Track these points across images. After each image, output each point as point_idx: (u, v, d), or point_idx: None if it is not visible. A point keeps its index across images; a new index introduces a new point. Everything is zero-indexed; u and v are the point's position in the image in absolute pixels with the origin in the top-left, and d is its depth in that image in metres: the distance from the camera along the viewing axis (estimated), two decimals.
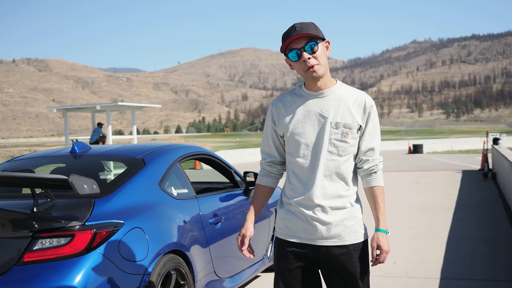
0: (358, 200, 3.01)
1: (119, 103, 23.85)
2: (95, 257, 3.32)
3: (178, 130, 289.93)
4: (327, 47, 2.93)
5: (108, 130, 23.93)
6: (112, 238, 3.46)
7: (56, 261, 3.25)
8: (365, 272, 2.94)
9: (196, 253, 4.22)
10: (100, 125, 24.36)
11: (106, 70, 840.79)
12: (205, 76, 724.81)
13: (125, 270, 3.46)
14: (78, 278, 3.21)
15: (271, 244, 6.00)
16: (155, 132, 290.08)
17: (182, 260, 4.00)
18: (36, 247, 3.26)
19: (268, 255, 5.92)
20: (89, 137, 24.89)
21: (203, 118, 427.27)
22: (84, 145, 4.86)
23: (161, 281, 3.70)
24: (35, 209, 3.30)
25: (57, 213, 3.41)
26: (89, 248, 3.33)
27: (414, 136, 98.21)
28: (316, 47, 2.83)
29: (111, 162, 7.71)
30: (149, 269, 3.61)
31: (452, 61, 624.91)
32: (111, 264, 3.39)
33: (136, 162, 4.39)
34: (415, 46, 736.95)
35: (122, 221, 3.58)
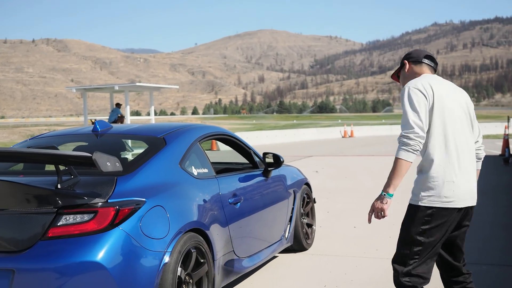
0: (419, 171, 3.37)
1: (137, 84, 23.95)
2: (117, 233, 3.40)
3: (194, 112, 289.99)
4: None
5: (126, 111, 24.05)
6: (134, 216, 3.53)
7: (80, 237, 3.33)
8: (401, 231, 3.46)
9: (215, 232, 4.27)
10: (118, 105, 24.47)
11: (124, 50, 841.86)
12: (222, 57, 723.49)
13: (147, 247, 3.52)
14: (101, 254, 3.29)
15: (289, 225, 6.04)
16: (172, 114, 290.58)
17: (202, 238, 4.06)
18: (60, 223, 3.35)
19: (286, 236, 5.96)
20: (107, 117, 25.03)
21: (220, 100, 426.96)
22: (106, 124, 4.89)
23: (182, 258, 3.75)
24: (59, 186, 3.42)
25: (81, 190, 3.48)
26: (112, 225, 3.41)
27: None
28: None
29: (130, 142, 7.81)
30: (170, 247, 3.66)
31: (473, 44, 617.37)
32: (133, 241, 3.46)
33: (157, 141, 4.46)
34: (436, 29, 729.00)
35: (143, 199, 3.65)
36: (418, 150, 3.25)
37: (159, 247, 3.60)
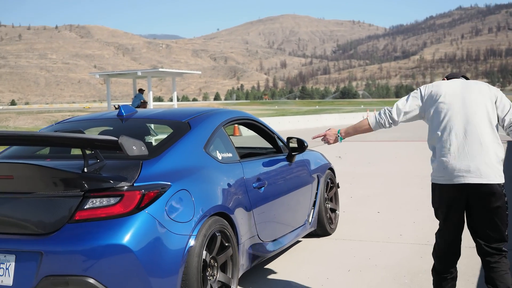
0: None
1: (160, 70, 24.03)
2: (143, 217, 3.43)
3: (216, 97, 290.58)
4: None
5: (149, 96, 24.14)
6: (160, 199, 3.55)
7: (106, 220, 3.37)
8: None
9: (240, 216, 4.30)
10: (141, 91, 24.57)
11: (146, 36, 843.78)
12: (244, 43, 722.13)
13: (172, 231, 3.55)
14: (127, 237, 3.33)
15: (312, 210, 6.04)
16: (194, 99, 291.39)
17: (226, 222, 4.07)
18: (87, 206, 3.38)
19: (310, 221, 5.97)
20: (130, 103, 25.14)
21: (242, 86, 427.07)
22: (130, 109, 4.91)
23: (207, 242, 3.76)
24: (85, 170, 3.47)
25: (107, 173, 3.52)
26: (138, 208, 3.43)
27: None
28: None
29: (154, 127, 7.85)
30: (195, 231, 3.69)
31: (499, 28, 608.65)
32: (159, 224, 3.49)
33: (182, 125, 4.47)
34: (461, 13, 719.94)
35: (169, 183, 3.66)
36: (382, 124, 3.92)
37: (184, 231, 3.62)
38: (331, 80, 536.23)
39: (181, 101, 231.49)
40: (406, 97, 3.87)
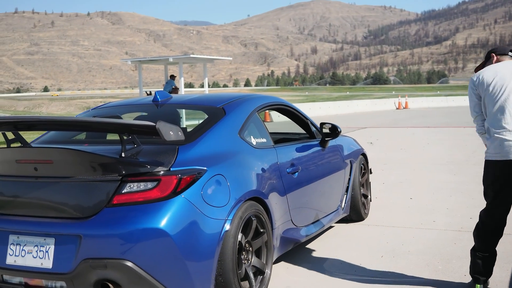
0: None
1: (192, 56, 24.08)
2: (180, 201, 3.46)
3: (247, 84, 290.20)
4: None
5: (180, 83, 24.24)
6: (196, 184, 3.58)
7: (144, 204, 3.41)
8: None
9: (274, 201, 4.32)
10: (172, 77, 24.68)
11: (177, 23, 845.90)
12: (275, 29, 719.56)
13: (208, 215, 3.58)
14: (164, 221, 3.37)
15: (345, 195, 6.06)
16: (225, 85, 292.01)
17: (261, 207, 4.10)
18: (124, 190, 3.43)
19: (343, 207, 5.99)
20: (161, 89, 25.27)
21: (272, 72, 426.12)
22: (166, 94, 4.93)
23: (242, 226, 3.80)
24: (123, 154, 3.49)
25: (144, 158, 3.56)
26: (175, 193, 3.47)
27: None
28: None
29: (183, 112, 7.87)
30: (231, 215, 3.71)
31: None
32: (195, 209, 3.52)
33: (217, 111, 4.49)
34: None
35: (205, 168, 3.70)
36: (480, 131, 4.11)
37: (220, 215, 3.65)
38: (362, 66, 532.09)
39: (212, 87, 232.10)
40: (469, 97, 4.13)
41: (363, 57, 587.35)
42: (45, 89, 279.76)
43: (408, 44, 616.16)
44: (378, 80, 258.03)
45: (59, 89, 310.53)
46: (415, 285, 4.27)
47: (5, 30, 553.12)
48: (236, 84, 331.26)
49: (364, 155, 6.67)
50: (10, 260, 3.56)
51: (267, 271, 4.12)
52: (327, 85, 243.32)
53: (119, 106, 5.20)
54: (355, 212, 6.28)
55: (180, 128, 3.51)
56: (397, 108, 40.70)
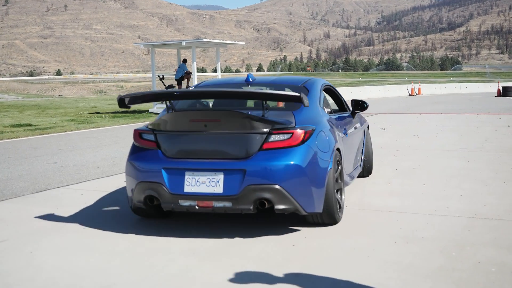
0: None
1: (204, 40, 23.98)
2: (305, 147, 5.21)
3: (259, 69, 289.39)
4: None
5: (193, 67, 24.21)
6: (312, 136, 5.31)
7: (284, 149, 5.13)
8: None
9: (342, 153, 6.08)
10: (184, 61, 24.64)
11: (190, 7, 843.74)
12: (287, 14, 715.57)
13: (320, 157, 5.34)
14: (298, 158, 5.12)
15: (361, 154, 7.83)
16: (237, 70, 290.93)
17: (340, 155, 5.93)
18: (270, 140, 5.13)
19: (360, 164, 7.72)
20: (174, 74, 25.25)
21: (285, 57, 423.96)
22: (253, 76, 6.44)
23: (335, 167, 5.69)
24: (265, 115, 5.17)
25: (277, 119, 5.25)
26: (302, 141, 5.20)
27: (502, 78, 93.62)
28: None
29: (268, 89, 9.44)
30: (331, 158, 5.51)
31: None
32: (314, 152, 5.27)
33: (301, 89, 6.24)
34: None
35: (314, 127, 5.41)
36: None
37: (326, 157, 5.42)
38: (375, 52, 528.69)
39: (224, 72, 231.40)
40: None
41: (376, 43, 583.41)
42: (58, 73, 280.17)
43: (421, 30, 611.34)
44: (391, 66, 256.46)
45: (72, 73, 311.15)
46: (429, 271, 4.28)
47: (18, 13, 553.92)
48: (248, 69, 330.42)
49: (368, 126, 8.55)
50: (187, 189, 5.13)
51: (343, 192, 6.05)
52: (340, 70, 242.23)
53: (217, 85, 6.78)
54: (367, 170, 8.21)
55: (306, 97, 5.14)
56: (410, 94, 40.48)
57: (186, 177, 5.15)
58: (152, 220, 5.99)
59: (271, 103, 6.25)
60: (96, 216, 6.24)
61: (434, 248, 4.83)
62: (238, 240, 5.24)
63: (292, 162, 5.07)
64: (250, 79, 6.34)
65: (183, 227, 5.73)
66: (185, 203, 5.14)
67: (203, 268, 4.46)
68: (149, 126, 5.54)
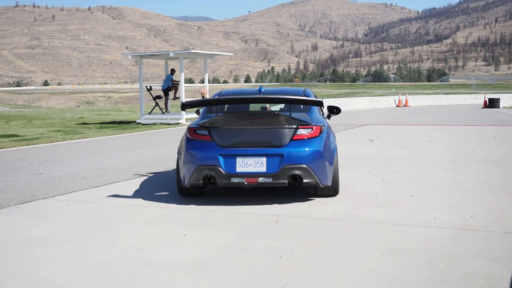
0: None
1: (192, 51, 23.93)
2: (322, 137, 7.20)
3: (247, 80, 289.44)
4: None
5: (181, 78, 24.16)
6: (324, 130, 7.32)
7: (308, 139, 7.06)
8: None
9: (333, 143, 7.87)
10: (172, 71, 24.66)
11: (178, 18, 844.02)
12: (275, 25, 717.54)
13: (330, 145, 7.40)
14: (318, 145, 7.08)
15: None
16: (225, 81, 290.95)
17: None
18: (298, 133, 7.06)
19: None
20: (161, 84, 25.19)
21: (273, 68, 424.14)
22: (262, 88, 8.06)
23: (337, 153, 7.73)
24: (292, 115, 7.17)
25: (300, 117, 7.26)
26: (320, 133, 7.19)
27: (489, 90, 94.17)
28: None
29: None
30: (336, 147, 7.65)
31: None
32: (327, 141, 7.30)
33: (303, 96, 8.00)
34: None
35: (324, 123, 7.47)
36: None
37: (333, 145, 7.52)
38: (362, 63, 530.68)
39: (212, 83, 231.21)
40: None
41: (364, 54, 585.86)
42: (45, 83, 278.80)
43: (408, 42, 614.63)
44: (378, 77, 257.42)
45: (59, 83, 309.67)
46: (416, 283, 4.27)
47: (5, 23, 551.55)
48: (236, 80, 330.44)
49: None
50: (238, 169, 6.88)
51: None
52: (327, 82, 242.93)
53: (241, 93, 8.73)
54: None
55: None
56: (397, 106, 40.66)
57: (237, 160, 6.89)
58: (138, 232, 5.95)
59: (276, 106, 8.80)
60: (82, 228, 6.18)
61: (421, 259, 4.83)
62: (224, 251, 5.20)
63: (315, 149, 6.98)
64: (262, 89, 7.99)
65: (169, 239, 5.69)
66: (236, 180, 6.87)
67: (190, 280, 4.44)
68: (200, 124, 7.23)
